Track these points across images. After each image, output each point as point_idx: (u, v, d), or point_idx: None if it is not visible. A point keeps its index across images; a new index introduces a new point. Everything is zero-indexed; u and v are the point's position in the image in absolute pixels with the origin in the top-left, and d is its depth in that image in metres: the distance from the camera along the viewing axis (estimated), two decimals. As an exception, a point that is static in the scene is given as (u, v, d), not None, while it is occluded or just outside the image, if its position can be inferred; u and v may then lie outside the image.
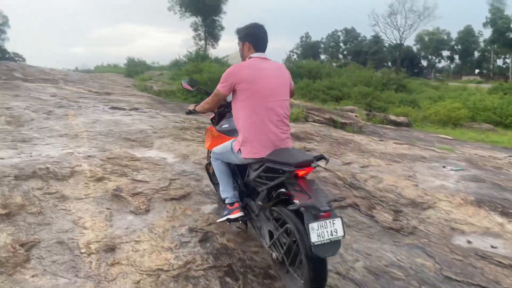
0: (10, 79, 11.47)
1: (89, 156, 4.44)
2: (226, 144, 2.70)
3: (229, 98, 2.79)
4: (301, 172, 2.13)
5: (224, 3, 33.77)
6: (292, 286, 2.13)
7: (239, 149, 2.50)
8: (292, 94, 2.81)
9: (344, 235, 1.94)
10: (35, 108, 7.10)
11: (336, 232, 1.91)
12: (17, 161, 4.06)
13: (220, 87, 2.51)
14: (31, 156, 4.32)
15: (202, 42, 35.91)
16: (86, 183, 3.68)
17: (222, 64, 20.38)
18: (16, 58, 50.76)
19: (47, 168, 3.87)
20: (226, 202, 2.76)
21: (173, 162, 4.50)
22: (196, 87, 3.27)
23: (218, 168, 2.80)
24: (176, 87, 12.63)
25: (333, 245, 1.91)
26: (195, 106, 2.89)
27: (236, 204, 2.71)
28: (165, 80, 14.89)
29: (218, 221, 2.88)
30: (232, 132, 2.84)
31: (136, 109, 8.33)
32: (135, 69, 18.02)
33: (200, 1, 32.09)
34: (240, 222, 2.79)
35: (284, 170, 2.16)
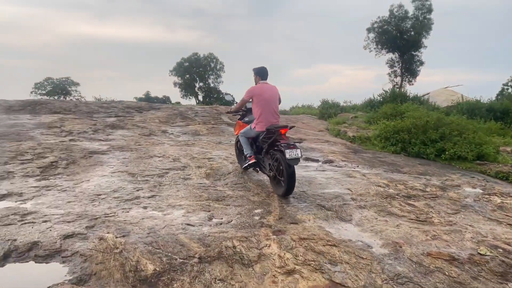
0: (218, 124, 12.60)
1: (278, 231, 3.77)
2: (248, 127, 5.62)
3: (249, 105, 5.95)
4: (283, 131, 5.01)
5: (425, 37, 31.06)
6: (279, 189, 4.97)
7: (254, 127, 5.40)
8: (279, 102, 5.62)
9: (301, 156, 4.73)
10: (234, 158, 7.19)
11: (297, 154, 4.63)
12: (206, 231, 3.70)
13: (245, 97, 5.46)
14: (220, 224, 3.94)
15: (398, 78, 33.80)
16: (273, 276, 2.94)
17: (422, 103, 18.12)
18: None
19: (234, 247, 3.34)
20: (247, 155, 5.61)
21: (380, 254, 3.38)
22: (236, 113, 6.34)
23: (243, 140, 5.69)
24: (372, 132, 11.52)
25: (296, 160, 4.63)
26: (231, 109, 6.27)
27: (252, 156, 5.57)
28: (359, 124, 13.96)
29: (242, 167, 5.97)
30: (249, 122, 5.90)
31: (330, 162, 7.58)
32: (328, 112, 17.77)
33: (400, 38, 30.36)
34: (253, 168, 5.72)
35: (275, 130, 5.05)
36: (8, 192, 4.82)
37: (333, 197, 5.03)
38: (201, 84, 58.45)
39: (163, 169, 6.35)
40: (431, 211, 4.64)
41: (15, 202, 4.49)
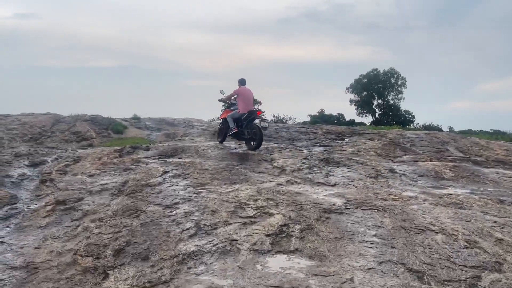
0: (459, 161, 9.26)
1: None
2: (234, 111, 9.14)
3: (234, 100, 9.48)
4: (258, 113, 9.00)
5: None
6: (251, 146, 8.88)
7: (239, 111, 9.02)
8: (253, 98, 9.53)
9: (268, 126, 9.78)
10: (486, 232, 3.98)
11: (266, 124, 9.40)
12: None
13: (233, 93, 9.32)
14: None
15: None
16: None
17: None
18: (407, 116, 53.24)
19: None
20: (231, 127, 9.01)
21: None
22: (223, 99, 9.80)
23: (229, 120, 9.07)
24: None
25: (265, 128, 9.18)
26: (222, 98, 9.78)
27: (235, 128, 8.92)
28: None
29: (228, 135, 9.40)
30: (234, 110, 9.26)
31: None
32: None
33: None
34: (232, 137, 9.33)
35: (253, 112, 8.87)
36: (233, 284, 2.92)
37: None
38: (379, 101, 54.58)
39: (463, 266, 3.68)
40: None
41: None
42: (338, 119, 50.22)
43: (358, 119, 51.82)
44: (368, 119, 54.33)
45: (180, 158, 8.51)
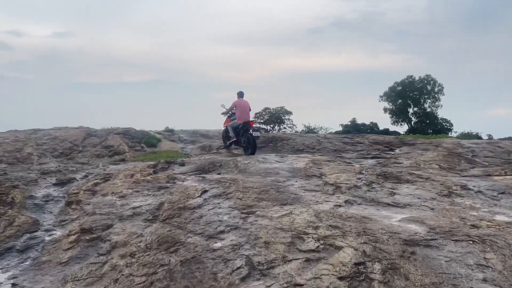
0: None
1: None
2: (234, 121, 10.59)
3: (234, 111, 10.76)
4: (252, 123, 10.46)
5: None
6: (247, 152, 9.91)
7: (237, 121, 10.39)
8: (250, 109, 10.76)
9: (260, 136, 10.62)
10: None
11: (258, 134, 10.25)
12: None
13: (232, 105, 10.73)
14: None
15: None
16: None
17: None
18: (444, 124, 50.72)
19: None
20: (231, 136, 10.63)
21: None
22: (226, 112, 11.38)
23: (230, 129, 10.71)
24: None
25: (258, 137, 10.16)
26: (225, 112, 11.38)
27: (234, 137, 10.50)
28: None
29: (228, 143, 11.01)
30: (234, 119, 10.73)
31: None
32: None
33: None
34: (235, 146, 10.85)
35: (247, 123, 10.22)
36: None
37: None
38: (415, 109, 52.41)
39: None
40: None
41: None
42: (371, 128, 48.37)
43: (392, 128, 49.79)
44: (403, 128, 52.18)
45: (219, 173, 7.65)
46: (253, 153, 9.87)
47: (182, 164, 8.41)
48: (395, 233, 4.37)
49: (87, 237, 4.35)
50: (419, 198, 6.03)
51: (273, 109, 47.48)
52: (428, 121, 52.40)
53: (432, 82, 52.32)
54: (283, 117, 48.18)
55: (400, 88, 51.54)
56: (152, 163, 8.27)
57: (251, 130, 9.88)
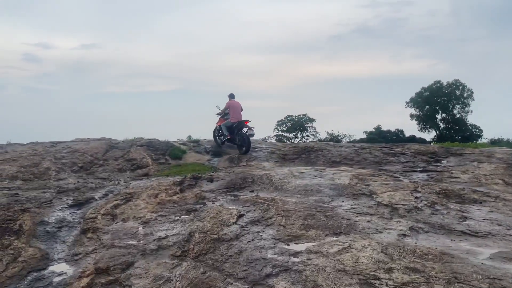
0: None
1: None
2: (228, 120, 11.20)
3: (227, 111, 11.56)
4: (246, 122, 10.96)
5: None
6: (242, 150, 10.67)
7: (231, 120, 11.09)
8: (242, 110, 11.49)
9: (254, 134, 11.30)
10: None
11: (252, 133, 11.10)
12: None
13: (225, 106, 11.54)
14: None
15: None
16: None
17: None
18: (473, 130, 48.53)
19: None
20: (225, 134, 11.21)
21: None
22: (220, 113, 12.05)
23: (223, 127, 11.26)
24: None
25: (252, 135, 11.10)
26: (219, 113, 12.12)
27: (228, 135, 11.06)
28: None
29: (223, 140, 11.51)
30: (227, 119, 11.35)
31: None
32: None
33: None
34: (227, 142, 11.39)
35: (241, 122, 10.92)
36: None
37: None
38: (443, 115, 50.41)
39: None
40: None
41: None
42: (397, 135, 46.69)
43: (419, 135, 47.97)
44: (430, 135, 50.28)
45: (252, 191, 6.77)
46: (247, 151, 10.55)
47: (211, 180, 7.58)
48: (493, 278, 3.37)
49: (103, 281, 3.55)
50: (499, 225, 4.98)
51: (295, 116, 46.51)
52: (457, 127, 50.38)
53: (461, 87, 50.37)
54: (306, 125, 47.14)
55: (428, 93, 49.82)
56: (178, 179, 7.46)
57: (245, 129, 10.87)
